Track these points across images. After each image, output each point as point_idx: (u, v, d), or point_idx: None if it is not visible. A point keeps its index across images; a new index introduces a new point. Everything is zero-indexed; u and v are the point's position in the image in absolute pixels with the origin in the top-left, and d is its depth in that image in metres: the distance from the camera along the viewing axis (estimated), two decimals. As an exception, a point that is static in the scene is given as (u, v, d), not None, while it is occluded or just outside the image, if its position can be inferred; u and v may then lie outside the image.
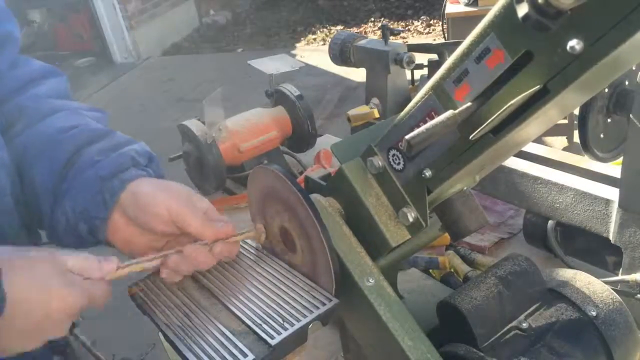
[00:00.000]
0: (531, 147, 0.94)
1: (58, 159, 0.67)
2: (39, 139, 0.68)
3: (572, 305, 0.61)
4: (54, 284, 0.54)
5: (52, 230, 0.69)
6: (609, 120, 0.89)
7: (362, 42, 1.50)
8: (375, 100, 1.48)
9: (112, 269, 0.60)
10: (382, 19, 6.27)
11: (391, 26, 1.47)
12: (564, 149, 2.89)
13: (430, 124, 0.48)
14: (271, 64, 1.49)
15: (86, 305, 0.57)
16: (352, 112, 1.43)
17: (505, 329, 0.60)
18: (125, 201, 0.65)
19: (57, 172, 0.67)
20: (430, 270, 0.95)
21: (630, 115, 0.70)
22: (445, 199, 0.61)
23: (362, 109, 1.44)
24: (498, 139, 0.49)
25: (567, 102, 0.48)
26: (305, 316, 0.59)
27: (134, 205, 0.65)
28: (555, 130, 2.91)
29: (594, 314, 0.60)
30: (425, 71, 1.47)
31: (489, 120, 0.47)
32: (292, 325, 0.58)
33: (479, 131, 0.48)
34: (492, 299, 0.61)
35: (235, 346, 0.57)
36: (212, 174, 1.27)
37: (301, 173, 1.43)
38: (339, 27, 6.28)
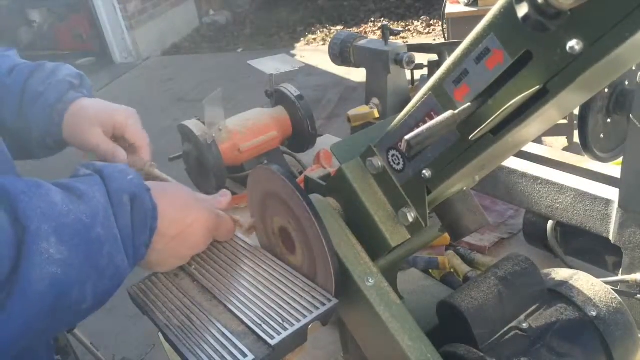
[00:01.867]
0: (531, 147, 0.94)
1: (13, 97, 0.84)
2: None
3: (572, 305, 0.61)
4: (191, 202, 0.68)
5: (31, 149, 0.88)
6: (609, 120, 0.89)
7: (362, 42, 1.50)
8: (375, 100, 1.48)
9: (229, 199, 0.74)
10: (382, 19, 6.27)
11: (391, 26, 1.47)
12: (564, 149, 2.89)
13: (429, 124, 0.48)
14: (271, 64, 1.49)
15: (216, 227, 0.70)
16: (352, 112, 1.43)
17: (505, 329, 0.60)
18: (68, 117, 0.84)
19: (15, 108, 0.84)
20: (430, 270, 0.95)
21: (630, 115, 0.70)
22: (445, 199, 0.61)
23: (362, 109, 1.44)
24: (498, 139, 0.49)
25: (567, 102, 0.48)
26: (305, 316, 0.59)
27: (73, 116, 0.84)
28: (555, 130, 2.91)
29: (594, 314, 0.60)
30: (425, 71, 1.47)
31: (489, 121, 0.47)
32: (292, 325, 0.58)
33: (479, 131, 0.48)
34: (492, 299, 0.61)
35: (235, 346, 0.57)
36: (212, 174, 1.27)
37: (301, 173, 1.43)
38: (339, 27, 6.28)
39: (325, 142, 1.52)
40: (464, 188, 0.62)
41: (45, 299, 0.50)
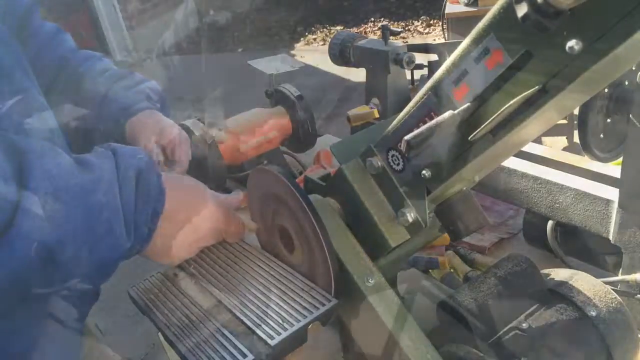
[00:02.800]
0: (531, 147, 0.94)
1: (99, 92, 0.96)
2: (84, 76, 0.98)
3: (572, 305, 0.61)
4: (203, 194, 0.70)
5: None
6: (609, 120, 0.89)
7: (362, 42, 1.50)
8: (375, 100, 1.48)
9: (241, 198, 0.77)
10: (382, 19, 6.27)
11: (391, 26, 1.47)
12: (564, 149, 2.88)
13: (429, 124, 0.48)
14: (271, 64, 1.49)
15: (226, 224, 0.71)
16: (352, 112, 1.43)
17: (505, 329, 0.60)
18: (134, 121, 0.95)
19: (98, 102, 0.96)
20: (430, 270, 0.95)
21: (630, 115, 0.70)
22: (445, 199, 0.61)
23: (362, 109, 1.44)
24: (497, 140, 0.49)
25: (566, 103, 0.48)
26: (304, 317, 0.59)
27: (138, 121, 0.95)
28: (555, 130, 2.91)
29: (594, 314, 0.60)
30: (425, 71, 1.47)
31: (488, 121, 0.47)
32: (292, 325, 0.58)
33: (478, 132, 0.48)
34: (492, 299, 0.61)
35: (235, 346, 0.57)
36: (212, 174, 1.27)
37: (301, 173, 1.43)
38: (339, 27, 6.28)
39: (325, 142, 1.52)
40: (464, 188, 0.62)
41: (32, 251, 0.51)
